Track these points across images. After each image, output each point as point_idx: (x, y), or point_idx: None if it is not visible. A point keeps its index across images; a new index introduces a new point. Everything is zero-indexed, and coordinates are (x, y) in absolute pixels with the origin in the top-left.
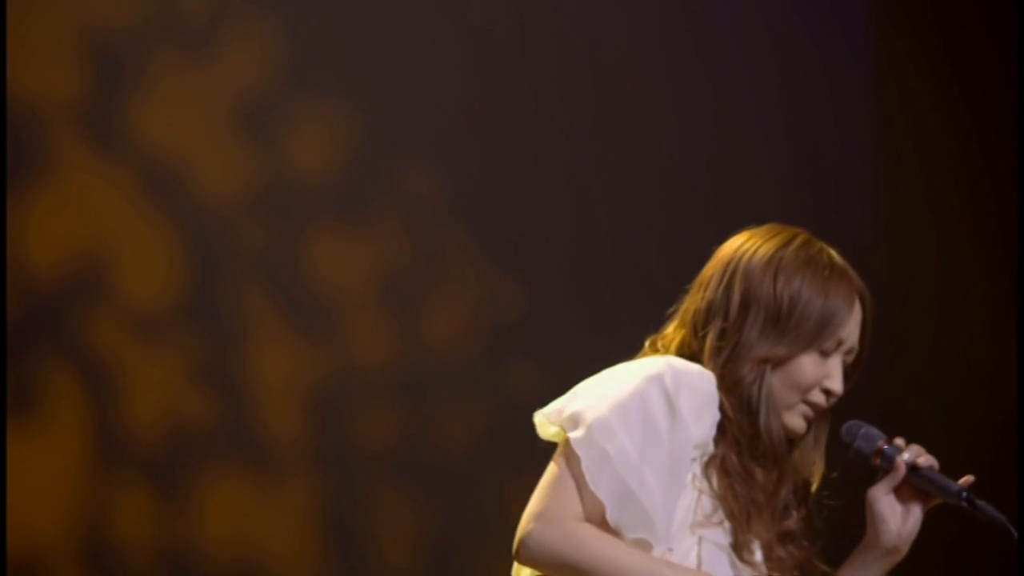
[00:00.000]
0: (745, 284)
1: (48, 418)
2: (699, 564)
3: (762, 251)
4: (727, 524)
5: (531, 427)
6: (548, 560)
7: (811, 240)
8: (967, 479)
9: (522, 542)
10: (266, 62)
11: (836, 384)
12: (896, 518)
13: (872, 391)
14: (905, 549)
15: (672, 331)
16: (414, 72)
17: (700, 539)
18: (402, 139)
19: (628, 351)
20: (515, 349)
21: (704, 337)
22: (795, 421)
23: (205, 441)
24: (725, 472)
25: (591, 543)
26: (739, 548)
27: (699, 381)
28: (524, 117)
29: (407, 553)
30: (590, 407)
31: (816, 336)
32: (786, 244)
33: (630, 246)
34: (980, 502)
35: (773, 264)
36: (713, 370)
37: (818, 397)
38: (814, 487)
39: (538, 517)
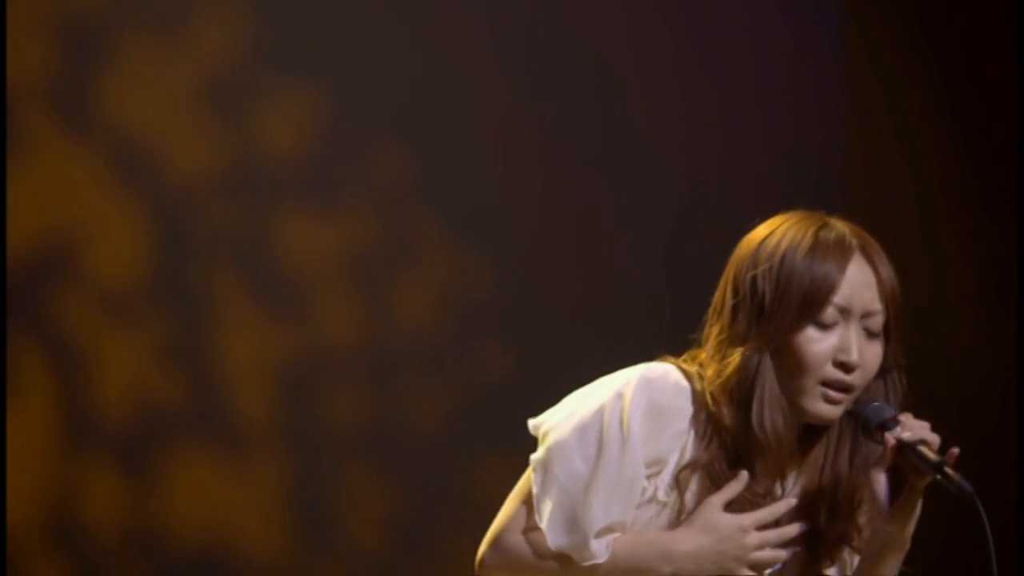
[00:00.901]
0: (734, 279)
1: (18, 397)
2: None
3: (752, 242)
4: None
5: (499, 407)
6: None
7: (809, 219)
8: (952, 451)
9: (479, 564)
10: (235, 42)
11: (851, 354)
12: (888, 495)
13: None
14: (907, 530)
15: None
16: (383, 53)
17: None
18: (371, 119)
19: (594, 332)
20: (483, 329)
21: (709, 339)
22: (816, 405)
23: (174, 420)
24: (711, 479)
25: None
26: None
27: (665, 396)
28: (494, 99)
29: (376, 532)
30: (556, 426)
31: (806, 309)
32: (776, 229)
33: (597, 229)
34: (952, 474)
35: (756, 252)
36: (716, 372)
37: (833, 373)
38: (862, 506)
39: (493, 542)
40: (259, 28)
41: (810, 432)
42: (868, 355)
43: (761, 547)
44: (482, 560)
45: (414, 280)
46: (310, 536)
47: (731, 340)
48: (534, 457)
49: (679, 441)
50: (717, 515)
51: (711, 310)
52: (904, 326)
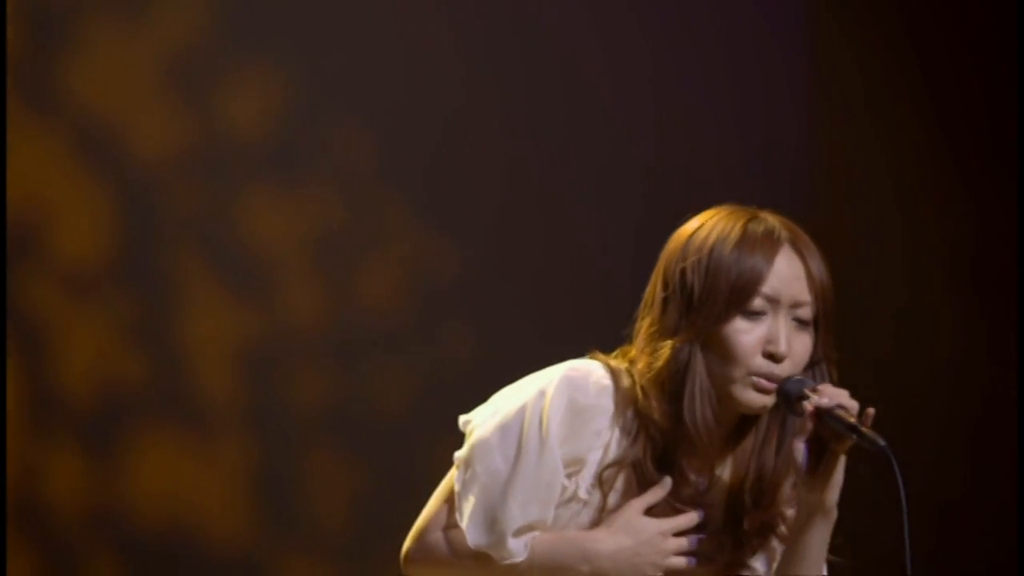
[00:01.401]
0: (664, 272)
1: None
2: None
3: (682, 236)
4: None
5: (464, 387)
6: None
7: (739, 212)
8: (868, 411)
9: (403, 559)
10: (200, 22)
11: (779, 345)
12: (808, 463)
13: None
14: (830, 496)
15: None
16: (348, 33)
17: None
18: (335, 100)
19: (559, 314)
20: (449, 310)
21: (639, 333)
22: (746, 395)
23: (138, 400)
24: (643, 479)
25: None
26: None
27: (586, 396)
28: (458, 79)
29: (340, 513)
30: (481, 424)
31: (735, 299)
32: (706, 222)
33: (563, 212)
34: (866, 431)
35: (685, 245)
36: (646, 365)
37: (763, 364)
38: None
39: (416, 538)
40: (223, 8)
41: (740, 424)
42: (797, 346)
43: (678, 552)
44: (406, 555)
45: (379, 261)
46: (274, 516)
47: (661, 333)
48: (458, 455)
49: (600, 439)
50: (638, 518)
51: (642, 305)
52: (834, 319)
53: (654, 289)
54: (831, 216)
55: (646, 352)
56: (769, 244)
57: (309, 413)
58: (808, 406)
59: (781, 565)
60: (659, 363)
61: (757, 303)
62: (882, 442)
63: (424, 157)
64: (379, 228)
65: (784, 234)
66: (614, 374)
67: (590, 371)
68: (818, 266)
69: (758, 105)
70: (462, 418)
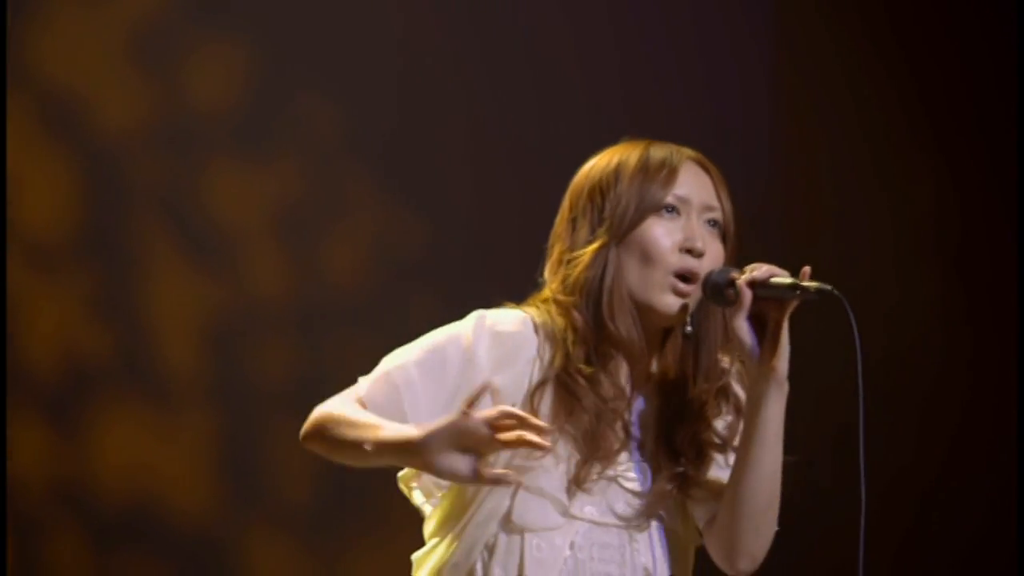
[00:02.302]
0: (569, 205)
1: None
2: (509, 511)
3: (583, 169)
4: (561, 464)
5: None
6: (311, 433)
7: (636, 141)
8: (804, 269)
9: (302, 437)
10: None
11: (695, 241)
12: (756, 338)
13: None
14: (780, 365)
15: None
16: (312, 7)
17: (515, 490)
18: (301, 73)
19: (525, 286)
20: (414, 283)
21: (549, 266)
22: (665, 298)
23: (102, 373)
24: (565, 391)
25: (334, 418)
26: (582, 474)
27: (507, 325)
28: (424, 51)
29: (304, 486)
30: (391, 357)
31: (648, 197)
32: (605, 154)
33: (529, 178)
34: (808, 284)
35: (588, 173)
36: (562, 278)
37: (682, 260)
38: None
39: (312, 417)
40: None
41: (661, 341)
42: (713, 247)
43: (503, 448)
44: (304, 433)
45: (343, 234)
46: (238, 489)
47: (573, 248)
48: (364, 378)
49: (531, 367)
50: (467, 423)
51: (548, 246)
52: (740, 236)
53: (559, 224)
54: (806, 203)
55: (560, 272)
56: (675, 154)
57: (273, 386)
58: (742, 283)
59: (740, 449)
60: (577, 269)
61: (670, 199)
62: (828, 287)
63: (389, 130)
64: (344, 201)
65: (686, 150)
66: (526, 308)
67: (504, 311)
68: (720, 177)
69: (730, 92)
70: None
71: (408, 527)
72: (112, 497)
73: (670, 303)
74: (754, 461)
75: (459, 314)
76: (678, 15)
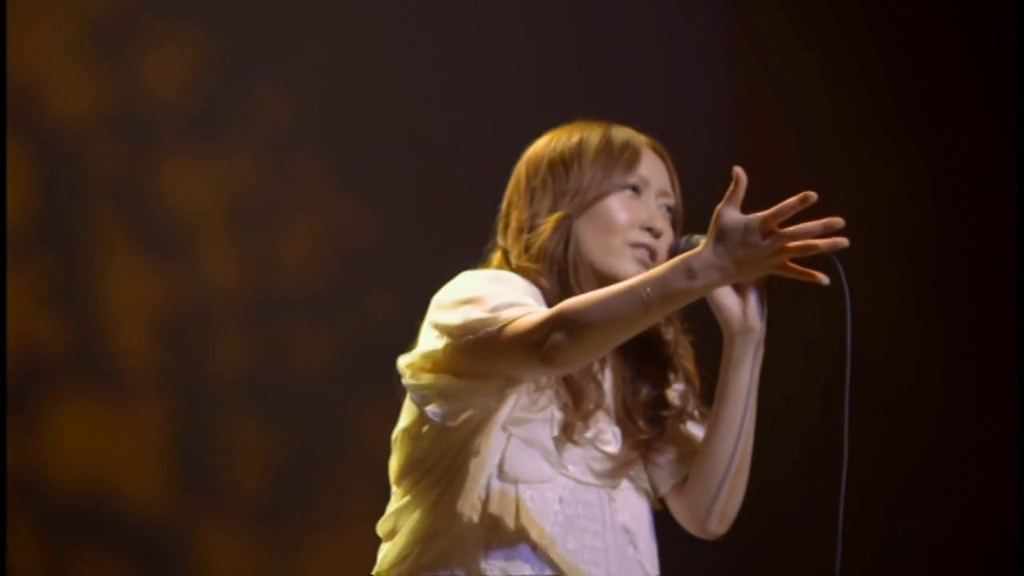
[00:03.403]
0: (526, 176)
1: None
2: (502, 462)
3: (538, 145)
4: (557, 414)
5: (385, 353)
6: (577, 341)
7: (591, 122)
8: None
9: (546, 354)
10: None
11: (655, 222)
12: (736, 300)
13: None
14: (758, 327)
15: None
16: None
17: (509, 436)
18: (256, 65)
19: None
20: (369, 275)
21: (507, 233)
22: (625, 264)
23: (56, 363)
24: None
25: (579, 300)
26: (568, 431)
27: (493, 272)
28: (378, 41)
29: (258, 476)
30: (449, 320)
31: (611, 171)
32: (557, 133)
33: (481, 172)
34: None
35: (546, 146)
36: (523, 246)
37: (641, 235)
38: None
39: (534, 329)
40: None
41: None
42: (668, 232)
43: (770, 249)
44: (546, 351)
45: (298, 225)
46: (192, 480)
47: (534, 218)
48: (478, 320)
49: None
50: (727, 221)
51: (499, 219)
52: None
53: (512, 195)
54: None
55: (520, 240)
56: (636, 138)
57: (228, 377)
58: None
59: (716, 410)
60: (541, 238)
61: (634, 180)
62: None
63: (343, 122)
64: (299, 193)
65: (644, 137)
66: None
67: (477, 271)
68: (675, 169)
69: (690, 88)
70: (404, 358)
71: (365, 518)
72: (66, 488)
73: (631, 270)
74: (730, 421)
75: (414, 305)
76: (637, 9)
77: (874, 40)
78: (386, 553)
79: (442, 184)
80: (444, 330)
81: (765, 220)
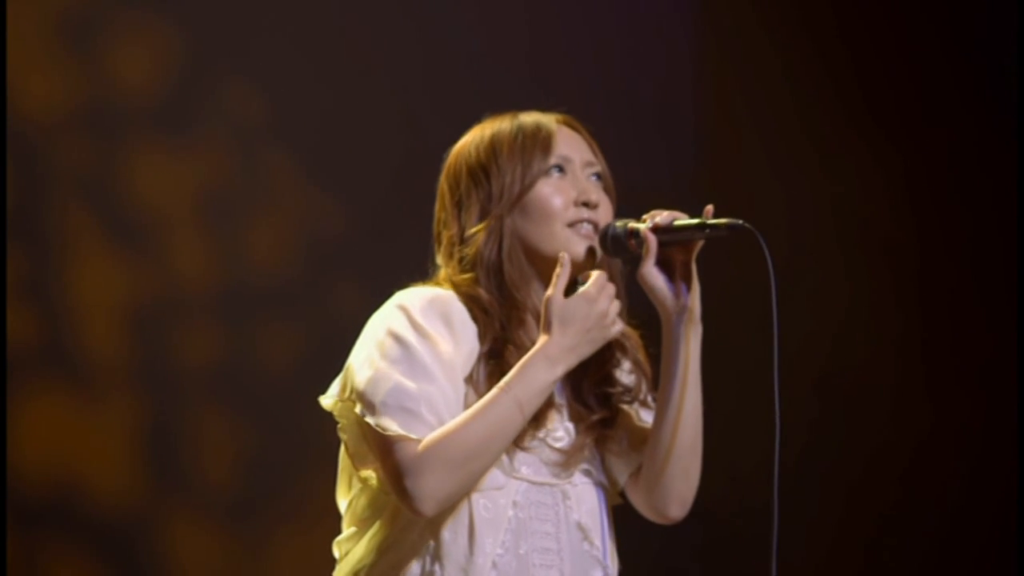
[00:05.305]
0: (448, 191)
1: None
2: None
3: (451, 155)
4: None
5: (350, 344)
6: (443, 481)
7: (499, 116)
8: (707, 208)
9: (413, 497)
10: None
11: (589, 195)
12: (666, 281)
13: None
14: (696, 306)
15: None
16: None
17: None
18: (225, 56)
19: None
20: (337, 268)
21: (441, 251)
22: (573, 246)
23: (24, 357)
24: (496, 359)
25: (450, 433)
26: (518, 439)
27: (436, 303)
28: (348, 34)
29: (227, 470)
30: (357, 381)
31: (531, 160)
32: (470, 134)
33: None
34: (717, 221)
35: (459, 155)
36: (459, 259)
37: (579, 212)
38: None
39: (406, 472)
40: None
41: None
42: (603, 200)
43: (613, 311)
44: (412, 493)
45: (267, 218)
46: (161, 474)
47: (466, 228)
48: (374, 420)
49: (472, 339)
50: (563, 305)
51: (434, 237)
52: (617, 190)
53: (442, 210)
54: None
55: (455, 256)
56: (546, 118)
57: (196, 370)
58: (646, 231)
59: (661, 392)
60: (475, 248)
61: (555, 160)
62: (739, 221)
63: (311, 116)
64: (267, 187)
65: (554, 115)
66: (442, 285)
67: (417, 289)
68: (592, 137)
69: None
70: (324, 398)
71: (333, 512)
72: (34, 482)
73: (577, 245)
74: (676, 402)
75: (382, 298)
76: (601, 6)
77: (839, 32)
78: (341, 564)
79: (409, 177)
80: (350, 381)
81: (602, 287)
